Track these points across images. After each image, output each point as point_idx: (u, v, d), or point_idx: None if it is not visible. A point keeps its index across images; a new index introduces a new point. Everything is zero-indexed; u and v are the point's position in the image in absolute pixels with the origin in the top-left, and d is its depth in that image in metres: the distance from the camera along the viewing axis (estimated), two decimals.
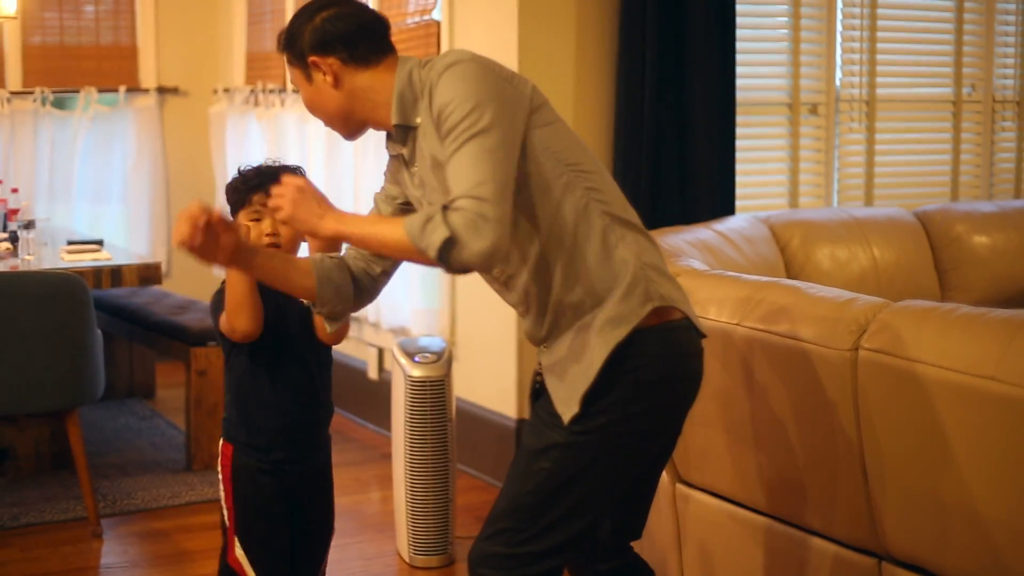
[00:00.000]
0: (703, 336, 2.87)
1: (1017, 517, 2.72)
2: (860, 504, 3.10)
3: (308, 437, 3.44)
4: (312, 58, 2.84)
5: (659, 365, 2.78)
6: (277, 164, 3.44)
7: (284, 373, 3.38)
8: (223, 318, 3.38)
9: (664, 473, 3.82)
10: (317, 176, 6.82)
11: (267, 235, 3.33)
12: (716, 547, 3.67)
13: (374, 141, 6.10)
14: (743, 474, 3.47)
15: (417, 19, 6.01)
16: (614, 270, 2.77)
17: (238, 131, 7.75)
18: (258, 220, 3.34)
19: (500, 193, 2.60)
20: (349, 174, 6.57)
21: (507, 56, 5.12)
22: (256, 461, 3.39)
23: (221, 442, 3.47)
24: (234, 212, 3.40)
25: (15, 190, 6.67)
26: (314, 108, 2.94)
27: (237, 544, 3.42)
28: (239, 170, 3.44)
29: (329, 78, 2.85)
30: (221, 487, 3.47)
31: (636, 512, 3.06)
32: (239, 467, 3.42)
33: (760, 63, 5.90)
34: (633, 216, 2.86)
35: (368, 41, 2.86)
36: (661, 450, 2.97)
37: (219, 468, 3.48)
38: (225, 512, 3.45)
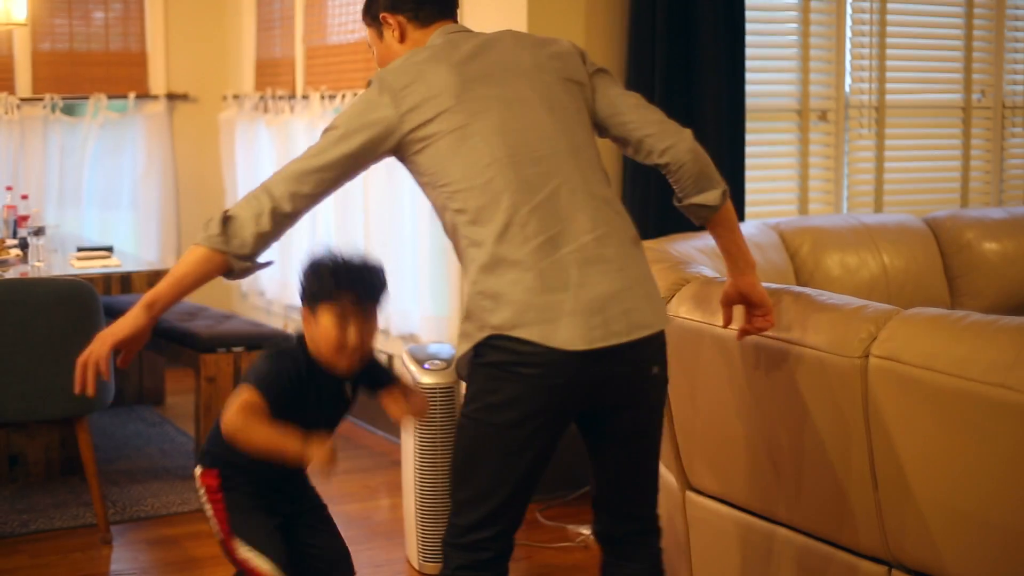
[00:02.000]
0: (545, 360, 2.89)
1: None
2: (870, 512, 3.09)
3: (304, 484, 3.48)
4: (383, 14, 3.19)
5: (498, 367, 2.95)
6: (361, 257, 3.32)
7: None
8: (233, 421, 3.15)
9: (673, 480, 3.82)
10: None
11: (351, 344, 3.22)
12: (725, 554, 3.66)
13: None
14: (752, 481, 3.46)
15: None
16: (464, 292, 3.04)
17: (247, 137, 7.76)
18: (344, 324, 3.22)
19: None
20: (358, 181, 6.53)
21: None
22: (255, 484, 3.35)
23: (200, 470, 3.41)
24: (312, 298, 3.26)
25: (25, 196, 6.68)
26: (384, 65, 3.21)
27: (238, 544, 3.36)
28: (325, 258, 3.29)
29: (396, 33, 3.19)
30: (210, 509, 3.40)
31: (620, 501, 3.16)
32: (227, 481, 3.36)
33: (769, 69, 5.90)
34: (500, 233, 2.93)
35: (434, 4, 3.19)
36: (545, 443, 3.00)
37: (203, 494, 3.41)
38: (218, 528, 3.39)
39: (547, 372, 2.90)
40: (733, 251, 3.29)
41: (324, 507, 3.54)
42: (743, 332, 3.36)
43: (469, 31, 3.19)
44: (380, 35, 3.24)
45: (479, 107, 3.01)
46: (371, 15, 3.24)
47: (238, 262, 3.03)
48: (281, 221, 3.03)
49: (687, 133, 3.15)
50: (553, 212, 2.95)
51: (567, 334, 2.89)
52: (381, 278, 3.29)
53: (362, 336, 3.24)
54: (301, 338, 3.30)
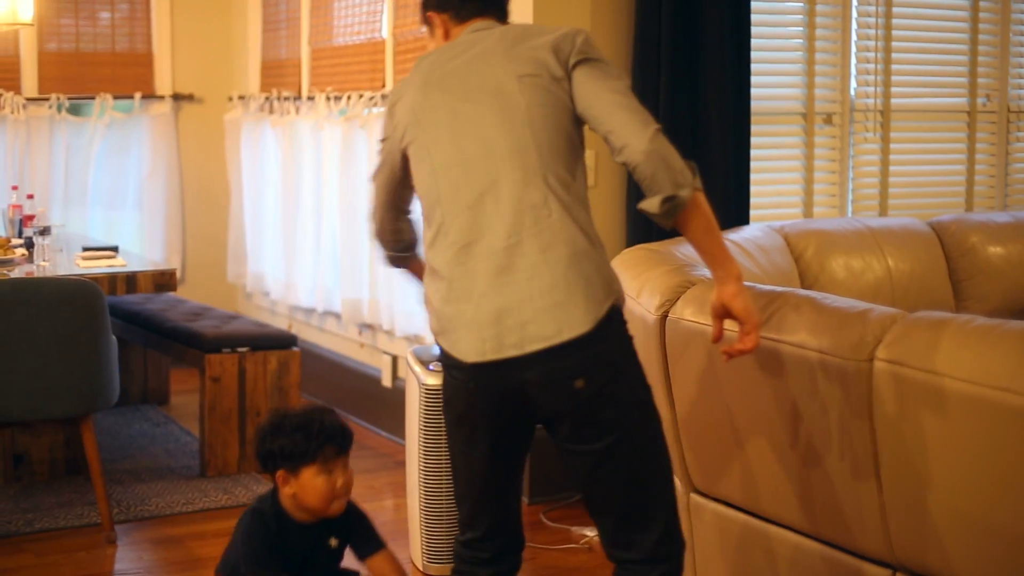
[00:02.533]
0: (460, 365, 2.99)
1: None
2: (875, 515, 3.09)
3: None
4: (429, 14, 3.25)
5: (444, 367, 3.10)
6: (314, 409, 3.47)
7: None
8: None
9: (677, 482, 3.82)
10: (331, 183, 6.84)
11: (341, 487, 3.41)
12: (729, 558, 3.66)
13: None
14: (757, 484, 3.47)
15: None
16: None
17: (253, 138, 7.77)
18: (330, 473, 3.39)
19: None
20: (364, 181, 6.57)
21: None
22: None
23: None
24: (289, 465, 3.38)
25: (31, 196, 6.69)
26: None
27: None
28: (280, 420, 3.43)
29: (441, 31, 3.23)
30: None
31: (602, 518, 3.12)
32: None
33: (775, 73, 5.90)
34: (431, 241, 3.06)
35: (475, 2, 3.20)
36: (491, 445, 3.07)
37: None
38: None
39: (463, 376, 2.99)
40: (706, 260, 3.06)
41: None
42: (726, 354, 3.11)
43: (489, 27, 3.16)
44: (432, 33, 3.28)
45: (430, 117, 3.08)
46: (422, 14, 3.30)
47: (388, 257, 3.46)
48: (381, 221, 3.39)
49: (648, 132, 2.91)
50: (474, 220, 2.97)
51: (464, 346, 2.95)
52: (342, 421, 3.47)
53: (348, 477, 3.42)
54: (273, 501, 3.45)
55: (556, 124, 3.01)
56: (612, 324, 2.95)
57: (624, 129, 2.94)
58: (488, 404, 3.00)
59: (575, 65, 3.01)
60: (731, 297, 3.03)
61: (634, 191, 5.18)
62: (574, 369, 2.90)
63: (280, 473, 3.40)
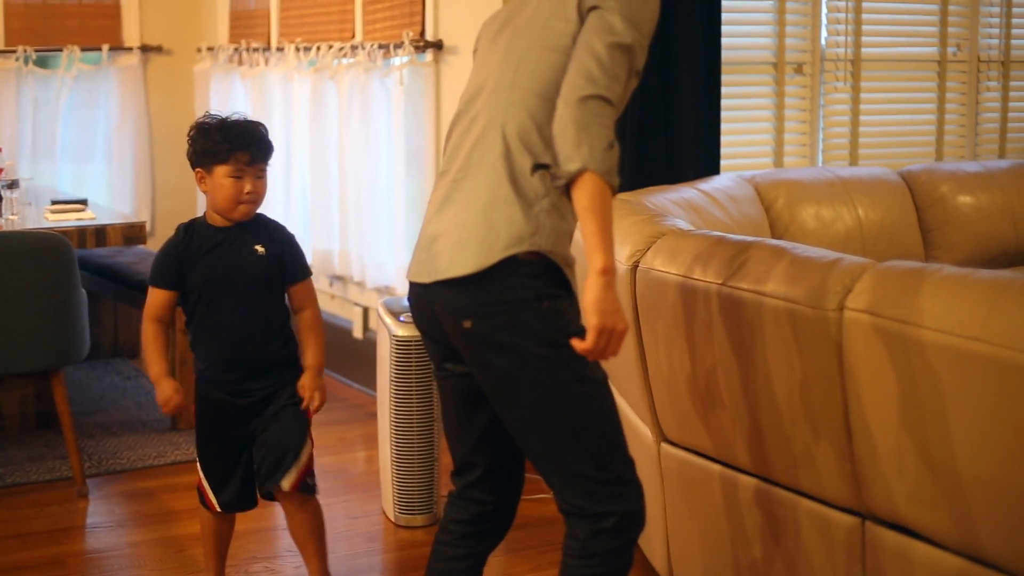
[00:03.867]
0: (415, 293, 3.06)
1: (999, 476, 2.74)
2: (844, 464, 3.11)
3: (255, 365, 3.68)
4: None
5: None
6: (244, 118, 3.66)
7: (226, 317, 3.66)
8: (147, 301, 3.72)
9: (648, 431, 3.84)
10: (301, 135, 6.81)
11: (247, 193, 3.59)
12: (700, 506, 3.68)
13: (359, 100, 6.07)
14: (727, 433, 3.48)
15: None
16: None
17: (222, 90, 7.72)
18: (239, 179, 3.57)
19: None
20: (334, 132, 6.55)
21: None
22: (214, 388, 3.71)
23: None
24: (205, 163, 3.60)
25: None
26: None
27: (197, 462, 3.78)
28: (210, 120, 3.63)
29: None
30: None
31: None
32: (200, 396, 3.76)
33: (746, 22, 5.88)
34: (445, 167, 3.07)
35: None
36: (446, 377, 3.12)
37: None
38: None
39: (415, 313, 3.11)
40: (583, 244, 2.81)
41: (288, 406, 3.73)
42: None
43: None
44: None
45: (482, 48, 3.16)
46: None
47: None
48: None
49: (573, 98, 2.76)
50: (453, 151, 3.04)
51: (412, 263, 3.05)
52: (268, 138, 3.65)
53: (256, 188, 3.61)
54: (200, 216, 3.73)
55: (545, 71, 2.91)
56: (509, 274, 2.83)
57: (562, 91, 2.81)
58: (420, 324, 3.09)
59: (588, 11, 2.87)
60: (584, 290, 2.75)
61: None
62: (463, 308, 2.87)
63: (198, 171, 3.63)
